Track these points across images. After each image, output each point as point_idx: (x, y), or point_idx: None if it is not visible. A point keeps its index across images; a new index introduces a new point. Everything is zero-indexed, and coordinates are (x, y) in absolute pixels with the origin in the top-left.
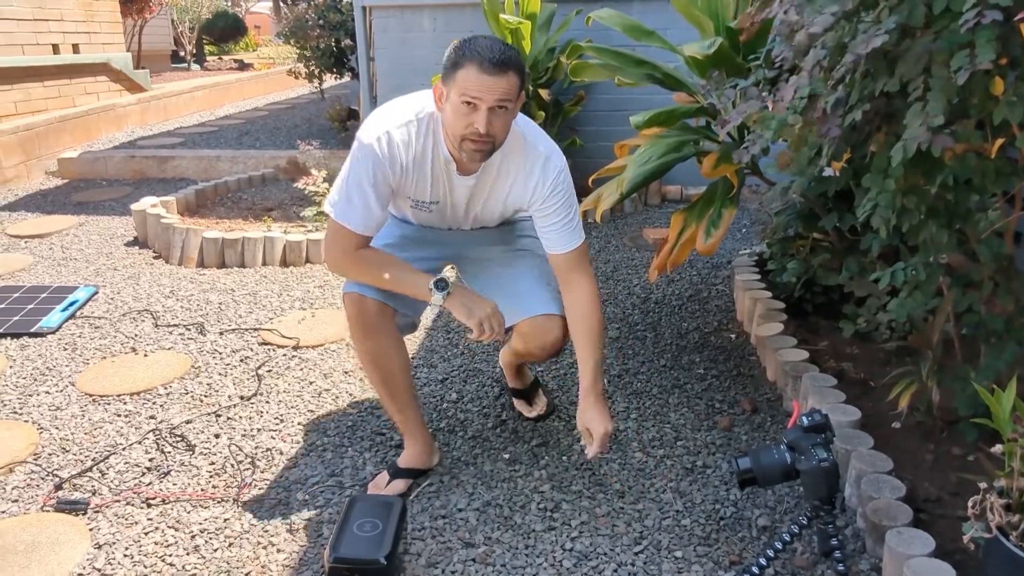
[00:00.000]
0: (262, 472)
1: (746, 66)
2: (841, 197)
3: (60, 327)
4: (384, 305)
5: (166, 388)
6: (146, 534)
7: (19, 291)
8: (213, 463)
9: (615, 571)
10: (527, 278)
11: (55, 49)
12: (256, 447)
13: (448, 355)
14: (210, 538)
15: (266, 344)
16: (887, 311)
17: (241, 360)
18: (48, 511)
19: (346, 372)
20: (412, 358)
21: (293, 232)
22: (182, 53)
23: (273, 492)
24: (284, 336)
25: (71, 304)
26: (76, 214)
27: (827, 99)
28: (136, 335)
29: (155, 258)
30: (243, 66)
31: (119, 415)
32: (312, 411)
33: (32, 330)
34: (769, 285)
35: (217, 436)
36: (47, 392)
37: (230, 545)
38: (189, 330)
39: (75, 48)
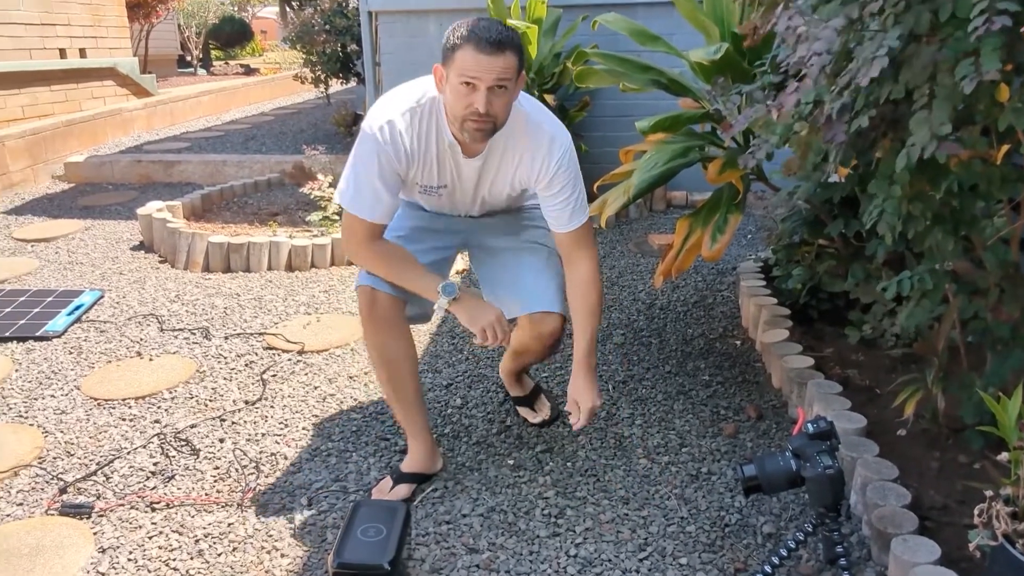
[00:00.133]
0: (266, 477)
1: (752, 71)
2: (846, 203)
3: (65, 331)
4: (396, 300)
5: (171, 392)
6: (150, 538)
7: (25, 295)
8: (217, 467)
9: None
10: (531, 272)
11: (62, 54)
12: (260, 452)
13: (453, 360)
14: (214, 543)
15: (271, 349)
16: (895, 321)
17: (246, 365)
18: (53, 515)
19: (351, 377)
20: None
21: (298, 237)
22: (188, 58)
23: (277, 497)
24: (289, 341)
25: (77, 308)
26: (82, 218)
27: (832, 105)
28: (141, 339)
29: (161, 262)
30: (249, 71)
31: (124, 419)
32: (316, 416)
33: (38, 334)
34: (774, 291)
35: (222, 440)
36: (52, 396)
37: (234, 550)
38: (194, 334)
39: (82, 52)
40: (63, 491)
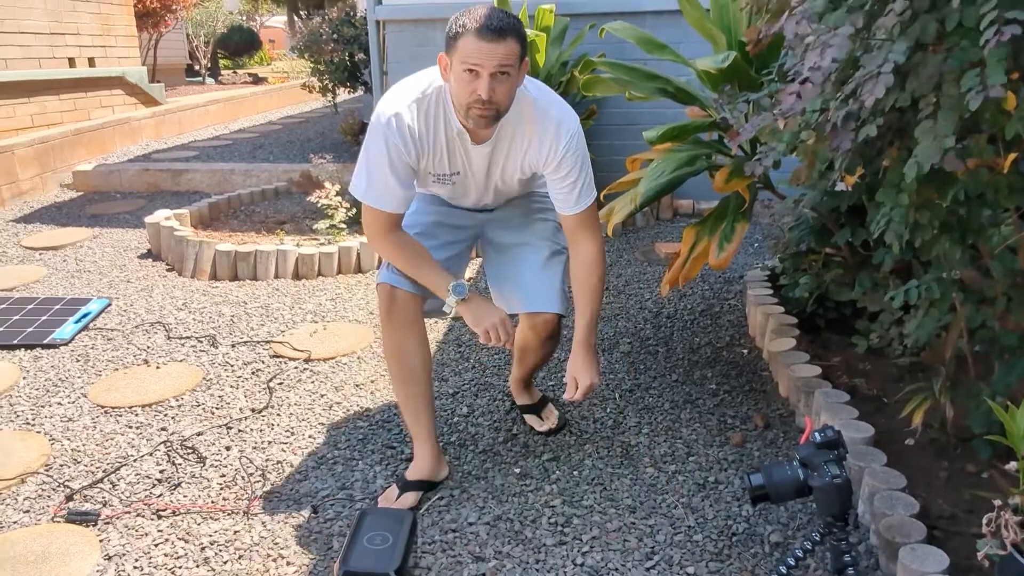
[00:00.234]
0: (272, 484)
1: (759, 80)
2: (853, 212)
3: (73, 339)
4: (415, 297)
5: (178, 400)
6: (156, 546)
7: (33, 303)
8: (224, 475)
9: None
10: (533, 270)
11: (71, 63)
12: (267, 459)
13: (459, 369)
14: (220, 550)
15: (278, 357)
16: (903, 330)
17: (252, 373)
18: (59, 522)
19: (357, 385)
20: None
21: (306, 245)
22: (197, 67)
23: (283, 504)
24: (296, 349)
25: (84, 316)
26: (90, 226)
27: (838, 113)
28: (148, 347)
29: (168, 270)
30: (257, 80)
31: (130, 427)
32: (323, 424)
33: (45, 341)
34: (781, 300)
35: (228, 448)
36: (59, 403)
37: (240, 557)
38: (201, 342)
39: (91, 62)
40: (69, 498)
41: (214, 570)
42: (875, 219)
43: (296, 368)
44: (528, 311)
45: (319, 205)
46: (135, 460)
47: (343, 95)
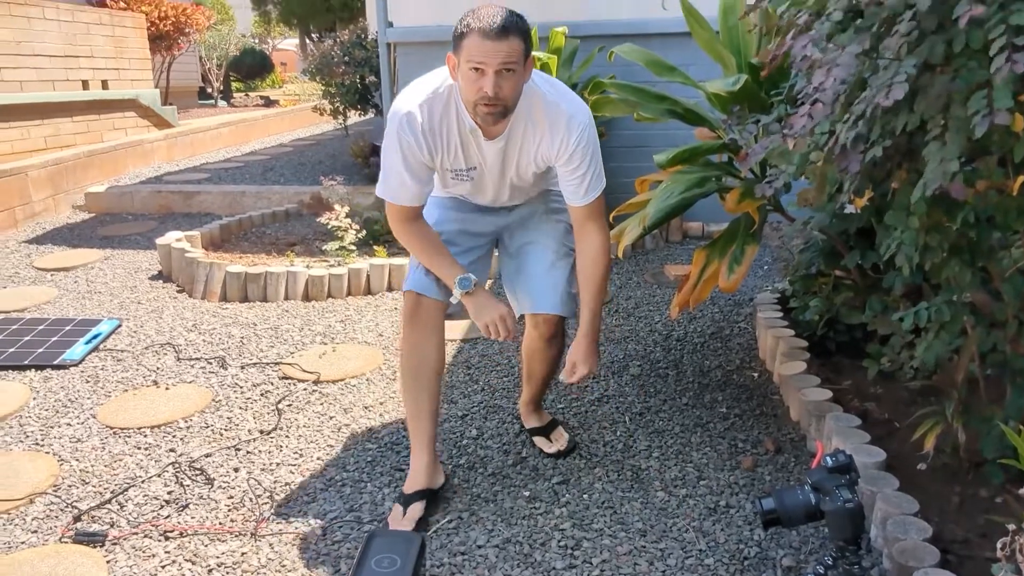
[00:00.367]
0: (280, 506)
1: (769, 102)
2: (863, 234)
3: (83, 359)
4: (440, 305)
5: (186, 421)
6: (163, 567)
7: (44, 323)
8: (231, 497)
9: None
10: (541, 273)
11: (85, 85)
12: (275, 481)
13: (468, 391)
14: (227, 572)
15: (287, 378)
16: (914, 353)
17: (261, 394)
18: (66, 542)
19: (366, 407)
20: None
21: (316, 267)
22: (209, 90)
23: (291, 527)
24: (305, 370)
25: (94, 337)
26: (102, 248)
27: (847, 135)
28: (158, 368)
29: (179, 292)
30: (269, 103)
31: (139, 448)
32: (332, 446)
33: (55, 362)
34: (792, 323)
35: (236, 470)
36: (68, 424)
37: None
38: (210, 364)
39: (104, 84)
40: (77, 519)
41: None
42: (885, 242)
43: (305, 390)
44: (532, 312)
45: (329, 227)
46: (143, 481)
47: (354, 117)
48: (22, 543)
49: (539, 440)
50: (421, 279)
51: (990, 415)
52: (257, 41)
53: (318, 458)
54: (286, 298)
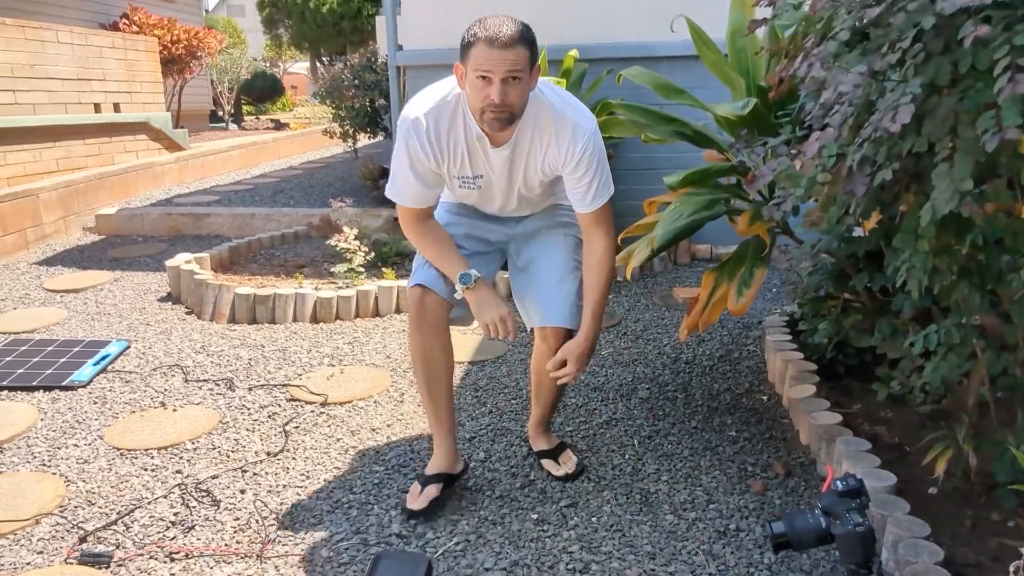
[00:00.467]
0: (286, 528)
1: (778, 124)
2: (871, 257)
3: (91, 381)
4: (443, 303)
5: (193, 443)
6: None
7: (53, 345)
8: (238, 518)
9: None
10: (551, 284)
11: (97, 108)
12: (281, 503)
13: (476, 414)
14: None
15: (294, 400)
16: (921, 375)
17: (269, 416)
18: (72, 563)
19: (374, 429)
20: None
21: (324, 289)
22: (220, 113)
23: (297, 549)
24: (312, 392)
25: (103, 358)
26: (111, 269)
27: (853, 157)
28: (166, 390)
29: (187, 313)
30: (279, 126)
31: (146, 469)
32: (338, 468)
33: (63, 383)
34: (801, 346)
35: (243, 491)
36: (76, 445)
37: None
38: (218, 385)
39: (116, 107)
40: (83, 540)
41: None
42: (893, 264)
43: (312, 412)
44: (540, 325)
45: (338, 249)
46: (149, 502)
47: (363, 140)
48: (27, 564)
49: (547, 463)
50: (426, 274)
51: (1001, 439)
52: (268, 65)
53: (325, 480)
54: (294, 320)
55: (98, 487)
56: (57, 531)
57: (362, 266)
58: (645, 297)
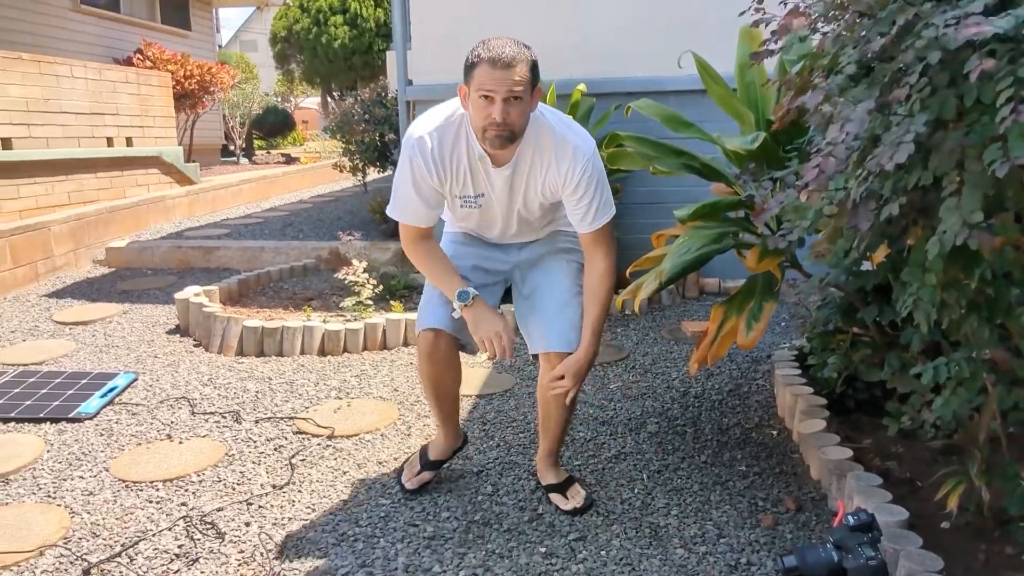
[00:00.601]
0: (291, 561)
1: (788, 158)
2: (880, 291)
3: (98, 413)
4: (453, 340)
5: (199, 475)
6: None
7: (60, 376)
8: (242, 551)
9: None
10: (554, 310)
11: (109, 142)
12: (286, 536)
13: (483, 447)
14: None
15: (301, 433)
16: (932, 409)
17: (275, 449)
18: None
19: (380, 462)
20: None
21: (332, 321)
22: (232, 147)
23: None
24: (319, 425)
25: (110, 391)
26: (120, 302)
27: (857, 191)
28: (172, 422)
29: (195, 346)
30: (290, 160)
31: (151, 501)
32: (345, 501)
33: (70, 415)
34: (810, 380)
35: (248, 524)
36: (81, 477)
37: None
38: (225, 418)
39: (128, 141)
40: (87, 572)
41: None
42: (901, 299)
43: (319, 445)
44: (545, 351)
45: (347, 282)
46: (154, 535)
47: (373, 174)
48: None
49: (555, 497)
50: (435, 316)
51: (1014, 474)
52: (280, 99)
53: (330, 513)
54: (302, 353)
55: (103, 519)
56: (61, 563)
57: (370, 299)
58: (654, 331)
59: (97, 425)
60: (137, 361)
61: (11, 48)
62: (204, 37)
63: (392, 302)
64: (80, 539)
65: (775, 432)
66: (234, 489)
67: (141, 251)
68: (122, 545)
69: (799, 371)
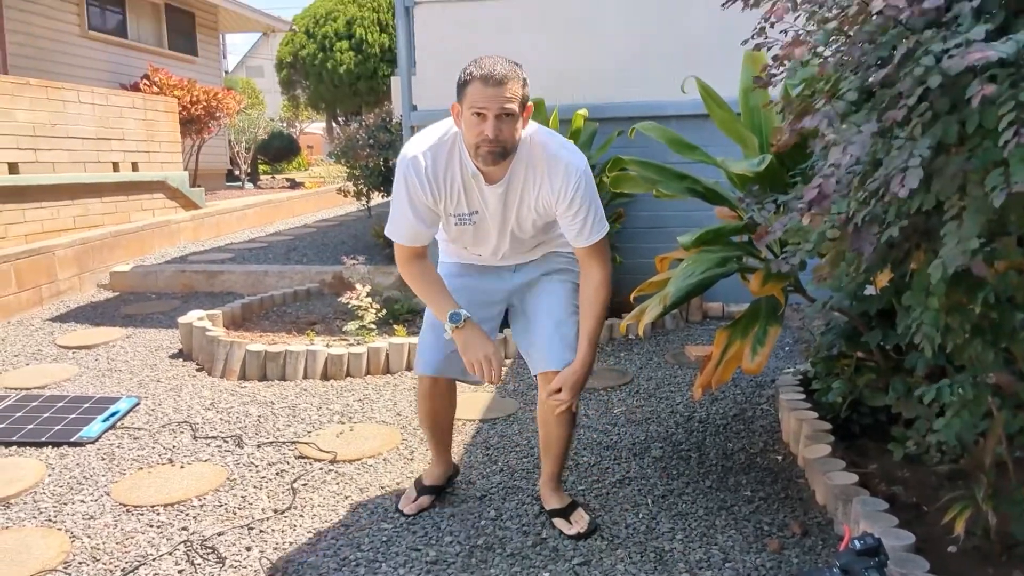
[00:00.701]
0: None
1: (791, 182)
2: (884, 315)
3: (100, 437)
4: (451, 383)
5: (200, 500)
6: None
7: (63, 401)
8: None
9: None
10: (550, 330)
11: (115, 167)
12: (288, 561)
13: (487, 472)
14: None
15: (303, 458)
16: (935, 432)
17: (277, 473)
18: None
19: (383, 487)
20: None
21: (335, 346)
22: (237, 172)
23: None
24: (321, 450)
25: (112, 415)
26: (124, 326)
27: (860, 215)
28: (174, 446)
29: (198, 370)
30: (294, 184)
31: (151, 525)
32: (347, 525)
33: (72, 439)
34: (815, 405)
35: (248, 549)
36: (82, 501)
37: None
38: (227, 442)
39: (135, 166)
40: None
41: None
42: (905, 323)
43: (321, 469)
44: (543, 370)
45: (350, 306)
46: (154, 559)
47: (377, 199)
48: None
49: (559, 522)
50: (433, 362)
51: (1021, 498)
52: (285, 125)
53: (332, 537)
54: (305, 377)
55: (103, 543)
56: None
57: (373, 323)
58: (657, 355)
59: (99, 449)
60: (139, 385)
61: (20, 73)
62: (211, 63)
63: (395, 326)
64: (80, 563)
65: (780, 457)
66: (235, 513)
67: (145, 275)
68: (122, 570)
69: (803, 396)
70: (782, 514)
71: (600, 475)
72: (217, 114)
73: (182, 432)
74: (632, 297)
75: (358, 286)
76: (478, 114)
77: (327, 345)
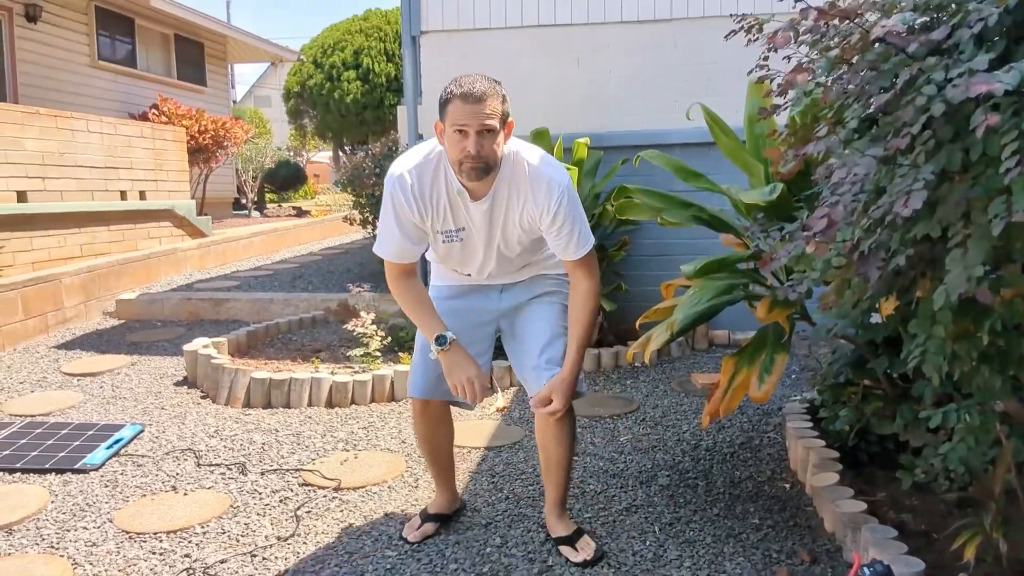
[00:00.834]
0: None
1: (797, 208)
2: (890, 342)
3: (103, 464)
4: (445, 405)
5: (203, 527)
6: None
7: (67, 428)
8: None
9: None
10: (538, 352)
11: (123, 195)
12: None
13: (492, 500)
14: None
15: (307, 485)
16: (939, 453)
17: (280, 501)
18: None
19: (387, 514)
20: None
21: (340, 373)
22: (244, 200)
23: None
24: (325, 477)
25: (116, 442)
26: (129, 354)
27: (866, 242)
28: (177, 474)
29: (203, 398)
30: (301, 213)
31: (154, 552)
32: (350, 553)
33: (76, 466)
34: (822, 433)
35: None
36: (85, 528)
37: None
38: (231, 470)
39: (142, 195)
40: None
41: None
42: (910, 350)
43: (325, 497)
44: (537, 391)
45: (355, 333)
46: None
47: None
48: None
49: (565, 549)
50: (422, 384)
51: None
52: (292, 154)
53: (336, 565)
54: (309, 404)
55: (105, 570)
56: None
57: (379, 350)
58: (663, 383)
59: (102, 476)
60: (144, 413)
61: (30, 102)
62: (219, 93)
63: (400, 353)
64: None
65: (788, 485)
66: (238, 541)
67: (151, 303)
68: None
69: (811, 424)
70: (791, 542)
71: (607, 503)
72: (225, 143)
73: (186, 459)
74: (638, 324)
75: (363, 313)
76: (460, 131)
77: (332, 372)
